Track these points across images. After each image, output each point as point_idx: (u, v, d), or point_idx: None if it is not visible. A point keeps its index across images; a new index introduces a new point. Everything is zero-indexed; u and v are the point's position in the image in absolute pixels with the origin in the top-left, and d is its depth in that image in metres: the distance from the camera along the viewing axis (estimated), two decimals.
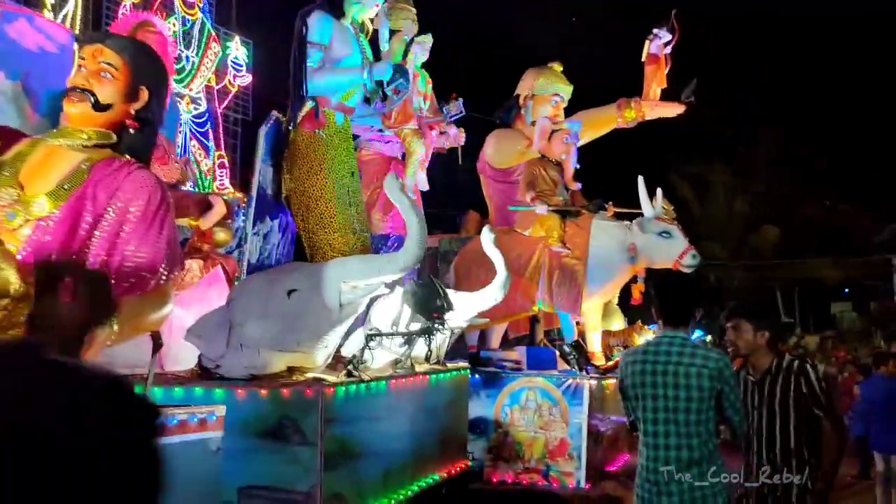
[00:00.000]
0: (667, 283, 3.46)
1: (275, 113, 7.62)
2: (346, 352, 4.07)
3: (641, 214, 6.17)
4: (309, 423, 3.42)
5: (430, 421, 4.51)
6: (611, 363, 6.27)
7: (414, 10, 6.53)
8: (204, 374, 3.68)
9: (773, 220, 25.20)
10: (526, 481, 5.76)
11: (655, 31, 7.22)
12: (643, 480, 3.08)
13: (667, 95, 7.31)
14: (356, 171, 5.05)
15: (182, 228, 4.91)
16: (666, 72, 7.26)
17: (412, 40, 6.78)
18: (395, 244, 7.96)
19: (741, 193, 25.96)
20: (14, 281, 2.11)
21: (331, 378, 3.64)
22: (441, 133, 7.43)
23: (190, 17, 11.72)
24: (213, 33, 12.03)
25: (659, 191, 6.25)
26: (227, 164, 12.29)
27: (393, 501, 3.92)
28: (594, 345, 6.46)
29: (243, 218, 6.88)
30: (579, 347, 6.16)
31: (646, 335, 7.20)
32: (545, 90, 7.09)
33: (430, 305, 4.14)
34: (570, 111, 7.31)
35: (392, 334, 4.03)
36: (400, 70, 6.73)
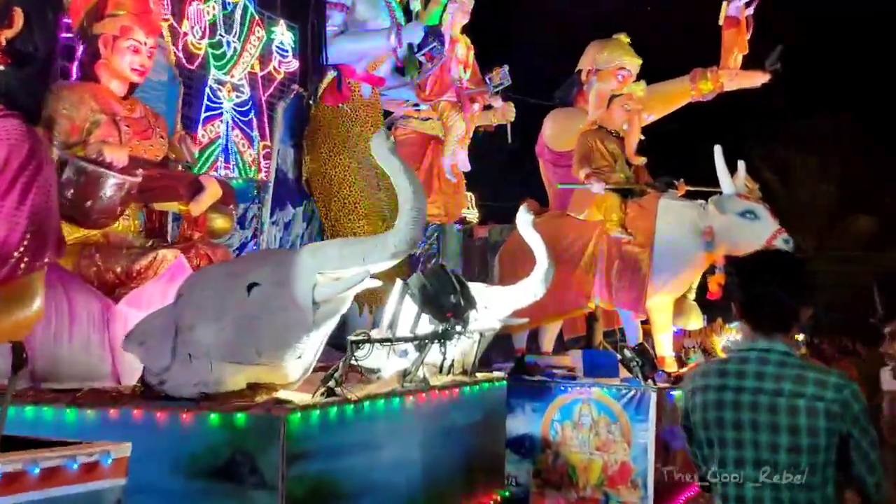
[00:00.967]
0: (754, 267, 2.24)
1: (297, 87, 6.97)
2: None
3: (718, 192, 5.39)
4: (268, 459, 2.60)
5: (451, 446, 3.65)
6: (685, 369, 5.47)
7: None
8: (146, 392, 2.91)
9: (865, 208, 23.29)
10: None
11: None
12: None
13: (749, 64, 6.69)
14: None
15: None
16: (748, 37, 6.66)
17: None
18: (435, 234, 7.24)
19: (830, 178, 24.05)
20: None
21: (298, 398, 2.80)
22: (486, 108, 6.67)
23: (231, 1, 11.32)
24: (257, 17, 11.62)
25: (741, 164, 5.50)
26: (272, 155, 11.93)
27: None
28: (663, 348, 5.64)
29: (259, 205, 6.23)
30: (645, 351, 5.32)
31: (727, 335, 6.33)
32: (609, 64, 6.58)
33: (442, 302, 3.26)
34: None
35: (387, 340, 3.16)
36: (434, 33, 6.01)
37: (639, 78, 6.49)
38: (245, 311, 2.80)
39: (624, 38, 6.76)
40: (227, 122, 12.77)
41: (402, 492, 3.21)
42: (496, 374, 4.48)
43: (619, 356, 5.48)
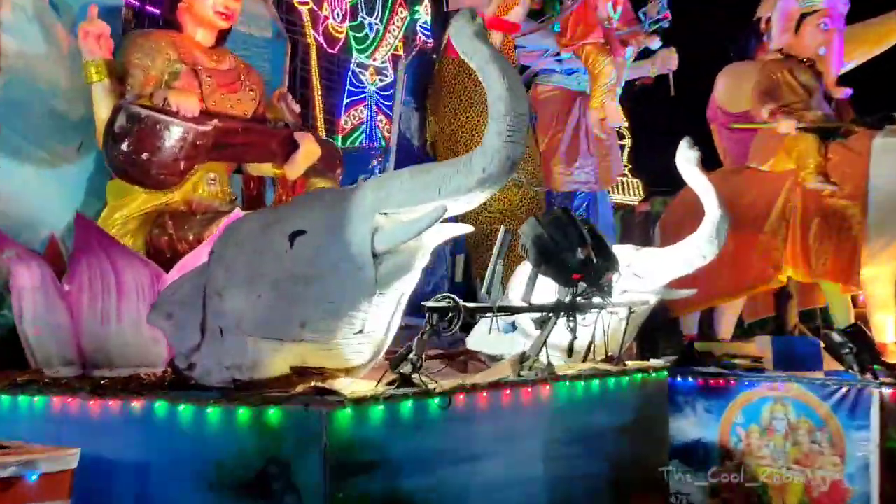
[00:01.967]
0: None
1: (420, 41, 6.50)
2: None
3: None
4: (306, 471, 1.87)
5: (589, 456, 2.79)
6: None
7: None
8: (175, 380, 2.27)
9: None
10: None
11: None
12: None
13: None
14: None
15: None
16: None
17: None
18: (586, 203, 6.41)
19: None
20: None
21: (359, 387, 2.04)
22: (638, 57, 5.89)
23: None
24: None
25: None
26: None
27: None
28: (885, 332, 4.62)
29: (378, 173, 5.84)
30: (860, 335, 4.32)
31: None
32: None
33: (564, 259, 2.38)
34: None
35: (484, 309, 2.31)
36: None
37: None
38: (286, 270, 2.08)
39: None
40: (371, 107, 12.54)
41: None
42: (654, 362, 3.63)
43: (822, 342, 4.58)
